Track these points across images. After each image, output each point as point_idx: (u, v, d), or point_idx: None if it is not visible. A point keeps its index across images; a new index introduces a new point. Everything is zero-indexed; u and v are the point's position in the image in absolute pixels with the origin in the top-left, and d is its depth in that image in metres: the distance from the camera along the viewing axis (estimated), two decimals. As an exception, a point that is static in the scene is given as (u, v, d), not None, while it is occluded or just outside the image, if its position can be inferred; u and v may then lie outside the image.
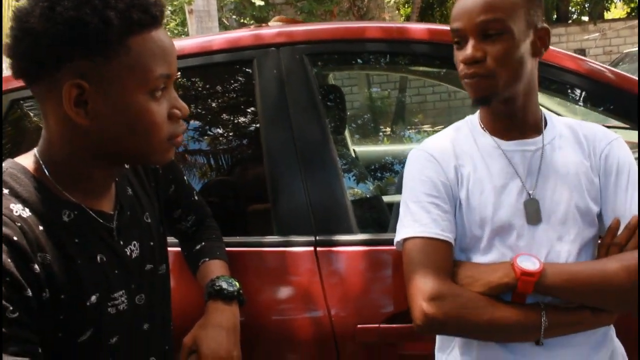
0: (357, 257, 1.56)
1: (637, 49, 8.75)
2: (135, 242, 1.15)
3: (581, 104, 1.70)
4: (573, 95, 1.70)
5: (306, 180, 1.62)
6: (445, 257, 1.22)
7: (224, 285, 1.32)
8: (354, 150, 3.36)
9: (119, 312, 1.08)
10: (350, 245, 1.57)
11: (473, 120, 1.34)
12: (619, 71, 1.65)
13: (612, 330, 1.28)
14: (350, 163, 2.84)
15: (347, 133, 3.09)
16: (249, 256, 1.61)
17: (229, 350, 1.23)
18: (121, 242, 1.11)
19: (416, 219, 1.24)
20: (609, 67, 1.67)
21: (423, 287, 1.17)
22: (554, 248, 1.20)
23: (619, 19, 15.35)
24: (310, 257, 1.57)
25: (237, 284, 1.35)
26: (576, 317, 1.16)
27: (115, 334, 1.08)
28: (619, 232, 1.19)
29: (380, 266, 1.55)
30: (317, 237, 1.59)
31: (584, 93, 1.68)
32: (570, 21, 16.29)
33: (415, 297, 1.18)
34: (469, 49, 1.16)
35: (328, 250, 1.57)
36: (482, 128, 1.30)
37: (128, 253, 1.12)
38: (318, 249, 1.57)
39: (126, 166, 1.22)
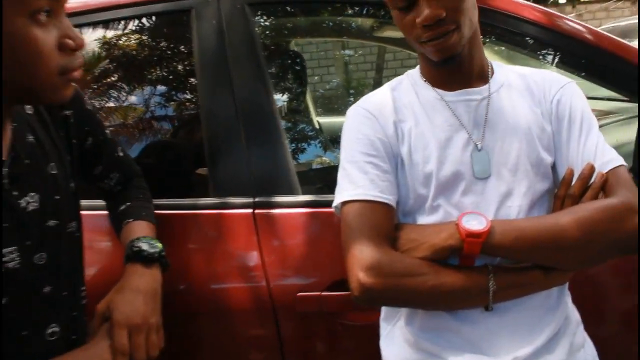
0: (299, 220, 1.44)
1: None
2: (34, 194, 1.02)
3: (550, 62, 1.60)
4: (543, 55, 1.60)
5: (246, 140, 1.50)
6: (385, 221, 1.10)
7: (145, 246, 1.20)
8: (318, 121, 3.24)
9: (8, 271, 0.95)
10: (292, 207, 1.45)
11: (414, 73, 1.22)
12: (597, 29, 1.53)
13: (567, 295, 1.18)
14: (312, 132, 2.72)
15: (310, 103, 2.97)
16: (182, 219, 1.48)
17: (146, 317, 1.11)
18: (15, 192, 0.98)
19: (353, 181, 1.12)
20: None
21: (359, 256, 1.06)
22: (504, 204, 1.10)
23: (595, 1, 15.35)
24: (248, 220, 1.44)
25: (159, 245, 1.22)
26: (526, 278, 1.06)
27: (5, 294, 0.95)
28: (573, 182, 1.08)
29: (324, 229, 1.43)
30: (256, 199, 1.46)
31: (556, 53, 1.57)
32: (548, 2, 16.25)
33: (352, 267, 1.07)
34: (425, 10, 1.03)
35: (267, 213, 1.45)
36: (424, 80, 1.18)
37: (23, 205, 0.99)
38: (256, 211, 1.45)
39: (29, 112, 1.08)
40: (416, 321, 1.15)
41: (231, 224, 1.45)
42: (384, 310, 1.26)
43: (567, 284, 1.17)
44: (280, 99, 2.42)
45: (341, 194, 1.12)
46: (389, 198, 1.11)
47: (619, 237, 1.01)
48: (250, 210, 1.45)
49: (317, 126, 2.97)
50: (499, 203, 1.10)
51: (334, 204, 1.15)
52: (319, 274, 1.39)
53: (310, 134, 2.72)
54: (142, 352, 1.08)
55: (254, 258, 1.42)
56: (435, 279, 1.03)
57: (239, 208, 1.46)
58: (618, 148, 1.13)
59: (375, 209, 1.09)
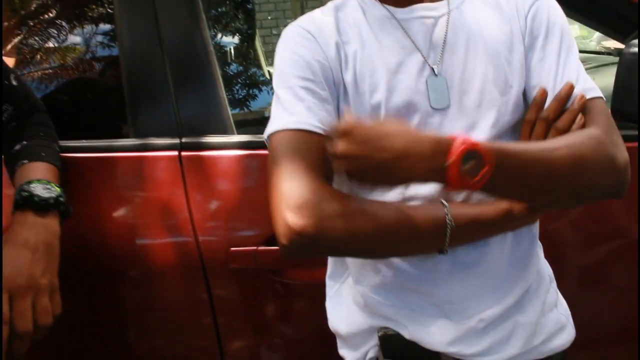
0: (233, 163, 1.24)
1: None
2: None
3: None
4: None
5: (173, 77, 1.28)
6: (322, 155, 0.90)
7: (37, 190, 0.98)
8: (269, 71, 3.02)
9: None
10: (224, 149, 1.25)
11: None
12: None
13: (539, 247, 1.02)
14: (261, 78, 2.50)
15: (260, 48, 2.74)
16: (97, 162, 1.26)
17: (33, 277, 0.90)
18: None
19: (286, 108, 0.92)
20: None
21: (288, 193, 0.85)
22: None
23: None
24: (173, 163, 1.23)
25: (57, 189, 1.01)
26: (489, 214, 0.88)
27: None
28: (546, 106, 0.91)
29: (263, 174, 1.22)
30: (183, 140, 1.25)
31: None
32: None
33: (279, 208, 0.86)
34: None
35: (196, 155, 1.24)
36: None
37: None
38: (183, 153, 1.24)
39: None
40: (367, 278, 0.97)
41: (153, 168, 1.24)
42: (330, 266, 1.08)
43: (537, 233, 1.00)
44: (221, 40, 2.20)
45: (272, 124, 0.92)
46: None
47: (609, 171, 0.84)
48: (175, 153, 1.24)
49: (267, 75, 2.77)
50: None
51: (265, 136, 0.94)
52: (255, 226, 1.21)
53: (258, 80, 2.51)
54: (25, 319, 0.87)
55: (180, 208, 1.22)
56: (380, 218, 0.84)
57: (162, 150, 1.25)
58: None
59: (310, 139, 0.89)
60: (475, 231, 0.88)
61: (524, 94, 0.95)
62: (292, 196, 0.85)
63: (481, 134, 0.91)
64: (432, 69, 0.92)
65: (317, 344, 1.22)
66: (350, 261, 1.00)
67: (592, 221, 1.25)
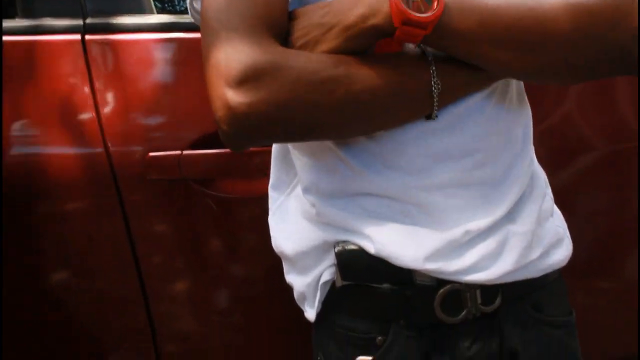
0: (150, 49, 0.99)
1: None
2: None
3: None
4: None
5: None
6: (271, 7, 0.66)
7: None
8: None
9: None
10: (140, 32, 0.99)
11: None
12: None
13: (531, 146, 0.81)
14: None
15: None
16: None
17: None
18: None
19: None
20: None
21: (226, 61, 0.62)
22: None
23: None
24: (74, 49, 0.97)
25: None
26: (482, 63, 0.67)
27: None
28: None
29: (189, 62, 0.98)
30: (88, 20, 0.99)
31: None
32: None
33: (215, 83, 0.63)
34: None
35: (104, 40, 0.98)
36: None
37: None
38: (88, 37, 0.98)
39: None
40: (321, 184, 0.76)
41: (50, 55, 0.98)
42: (274, 174, 0.86)
43: (531, 128, 0.80)
44: None
45: None
46: None
47: (618, 36, 0.64)
48: (78, 36, 0.98)
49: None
50: None
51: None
52: (180, 126, 0.97)
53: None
54: None
55: (83, 105, 0.97)
56: (350, 83, 0.62)
57: (61, 33, 0.98)
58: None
59: None
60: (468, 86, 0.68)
61: None
62: (230, 65, 0.61)
63: None
64: None
65: (258, 270, 1.01)
66: (300, 165, 0.78)
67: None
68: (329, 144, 0.74)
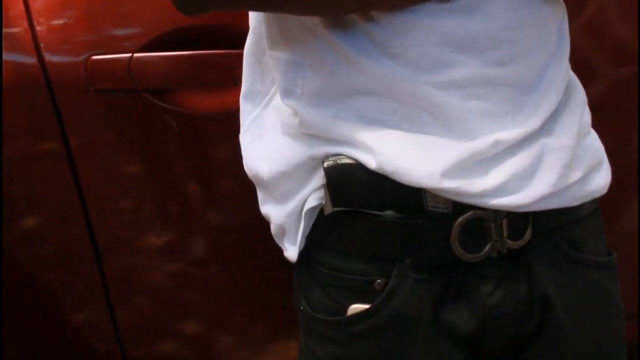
0: None
1: None
2: None
3: None
4: None
5: None
6: None
7: None
8: None
9: None
10: None
11: None
12: None
13: (567, 44, 0.65)
14: None
15: None
16: None
17: None
18: None
19: None
20: None
21: None
22: None
23: None
24: None
25: None
26: None
27: None
28: None
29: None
30: None
31: None
32: None
33: None
34: None
35: None
36: None
37: None
38: None
39: None
40: (306, 80, 0.59)
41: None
42: (246, 81, 0.69)
43: (567, 25, 0.64)
44: None
45: None
46: None
47: None
48: None
49: None
50: None
51: None
52: (131, 21, 0.78)
53: None
54: None
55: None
56: None
57: None
58: None
59: None
60: None
61: None
62: None
63: None
64: None
65: (229, 205, 0.84)
66: (279, 66, 0.61)
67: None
68: (315, 29, 0.57)
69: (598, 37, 0.94)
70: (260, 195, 0.68)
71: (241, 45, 0.67)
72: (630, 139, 0.99)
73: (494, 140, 0.55)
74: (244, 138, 0.68)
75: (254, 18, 0.67)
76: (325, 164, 0.56)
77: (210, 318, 0.93)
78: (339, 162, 0.56)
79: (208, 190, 0.87)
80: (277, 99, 0.64)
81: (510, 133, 0.56)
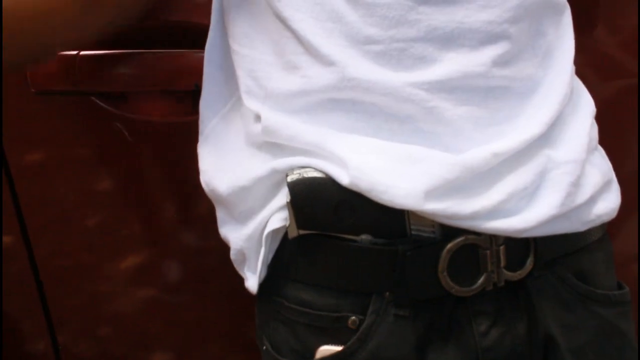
0: None
1: None
2: None
3: None
4: None
5: None
6: None
7: None
8: None
9: None
10: None
11: None
12: None
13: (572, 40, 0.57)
14: None
15: None
16: None
17: None
18: None
19: None
20: None
21: None
22: None
23: None
24: None
25: None
26: None
27: None
28: None
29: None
30: None
31: None
32: None
33: None
34: None
35: None
36: None
37: None
38: None
39: None
40: (272, 79, 0.51)
41: None
42: (207, 85, 0.60)
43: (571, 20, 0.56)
44: None
45: None
46: None
47: None
48: None
49: None
50: None
51: None
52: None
53: None
54: None
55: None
56: None
57: None
58: None
59: None
60: None
61: None
62: None
63: None
64: None
65: (188, 223, 0.75)
66: (243, 63, 0.53)
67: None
68: (286, 23, 0.49)
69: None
70: (219, 215, 0.59)
71: (202, 44, 0.59)
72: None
73: (490, 153, 0.46)
74: (202, 148, 0.59)
75: (217, 12, 0.59)
76: (289, 178, 0.47)
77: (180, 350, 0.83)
78: (305, 175, 0.47)
79: (170, 209, 0.77)
80: (241, 105, 0.55)
81: (508, 142, 0.48)
